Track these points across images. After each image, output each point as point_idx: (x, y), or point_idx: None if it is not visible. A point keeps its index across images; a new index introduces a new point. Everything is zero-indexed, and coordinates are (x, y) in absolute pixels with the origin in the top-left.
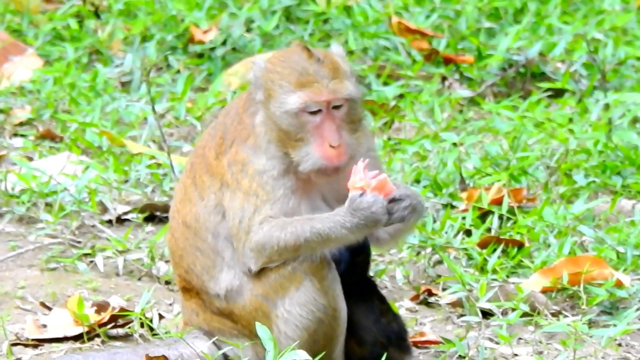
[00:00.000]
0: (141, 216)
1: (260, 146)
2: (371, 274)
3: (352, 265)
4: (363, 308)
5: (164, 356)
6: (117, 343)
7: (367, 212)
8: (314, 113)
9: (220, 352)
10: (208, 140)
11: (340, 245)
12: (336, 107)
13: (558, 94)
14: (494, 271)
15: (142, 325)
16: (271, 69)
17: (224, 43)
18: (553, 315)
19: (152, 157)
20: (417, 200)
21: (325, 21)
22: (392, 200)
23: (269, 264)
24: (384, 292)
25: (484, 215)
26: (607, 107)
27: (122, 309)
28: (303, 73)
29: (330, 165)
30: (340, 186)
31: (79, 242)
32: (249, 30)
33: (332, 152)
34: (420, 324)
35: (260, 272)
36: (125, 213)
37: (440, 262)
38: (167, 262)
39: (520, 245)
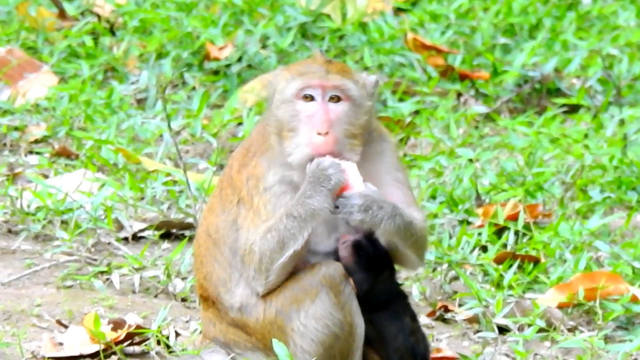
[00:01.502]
0: (157, 233)
1: (273, 159)
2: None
3: (377, 282)
4: (394, 324)
5: None
6: None
7: (317, 173)
8: (308, 100)
9: None
10: (236, 152)
11: (319, 219)
12: (333, 100)
13: (573, 109)
14: (510, 287)
15: (158, 343)
16: (285, 70)
17: (239, 60)
18: (569, 330)
19: (168, 174)
20: (374, 204)
21: (341, 38)
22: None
23: (268, 277)
24: None
25: (500, 231)
26: (622, 122)
27: (138, 327)
28: (307, 66)
29: (315, 153)
30: None
31: (95, 259)
32: (264, 47)
33: (319, 139)
34: (437, 340)
35: (276, 287)
36: (141, 230)
37: (456, 278)
38: (183, 279)
39: (536, 261)
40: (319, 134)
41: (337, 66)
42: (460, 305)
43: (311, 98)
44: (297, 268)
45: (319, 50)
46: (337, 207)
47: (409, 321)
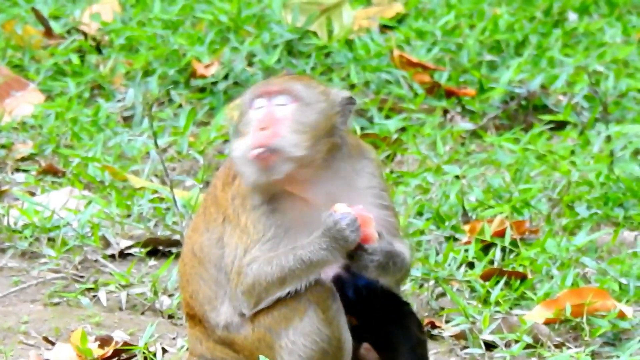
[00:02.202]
0: (144, 250)
1: None
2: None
3: (375, 289)
4: (400, 334)
5: None
6: None
7: (333, 230)
8: (259, 108)
9: None
10: (220, 171)
11: (324, 269)
12: (281, 105)
13: (560, 126)
14: (497, 303)
15: None
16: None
17: (225, 77)
18: (556, 346)
19: (155, 192)
20: (390, 261)
21: (327, 55)
22: (361, 248)
23: (259, 304)
24: None
25: (486, 247)
26: (609, 139)
27: (125, 344)
28: (266, 80)
29: (255, 147)
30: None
31: (81, 276)
32: (250, 64)
33: (257, 135)
34: None
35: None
36: (128, 247)
37: (443, 294)
38: (170, 296)
39: (523, 277)
40: (261, 129)
41: (293, 77)
42: (447, 322)
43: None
44: None
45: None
46: (351, 256)
47: (416, 331)
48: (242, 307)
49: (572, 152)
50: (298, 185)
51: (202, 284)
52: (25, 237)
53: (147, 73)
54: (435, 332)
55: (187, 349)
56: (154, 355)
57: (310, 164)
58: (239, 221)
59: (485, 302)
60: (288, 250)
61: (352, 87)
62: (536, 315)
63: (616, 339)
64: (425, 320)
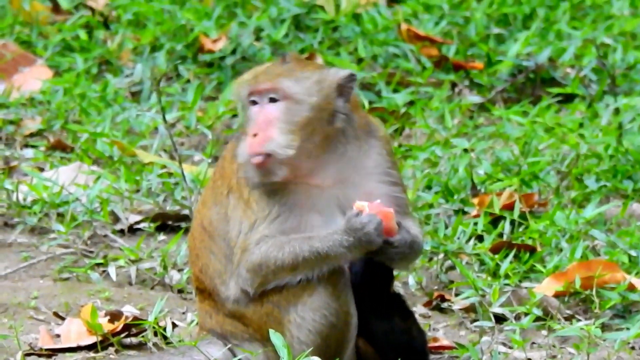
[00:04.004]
0: (153, 225)
1: None
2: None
3: (372, 276)
4: (382, 324)
5: None
6: (131, 352)
7: (360, 233)
8: (254, 104)
9: (235, 359)
10: (230, 143)
11: (338, 264)
12: (272, 101)
13: (568, 99)
14: (507, 276)
15: (155, 334)
16: (245, 75)
17: (233, 52)
18: (566, 319)
19: (164, 167)
20: (411, 249)
21: (335, 29)
22: (387, 242)
23: (265, 285)
24: None
25: (495, 220)
26: (617, 111)
27: (135, 318)
28: (259, 69)
29: (249, 153)
30: (341, 202)
31: (91, 252)
32: (258, 39)
33: (251, 141)
34: (434, 330)
35: None
36: (137, 222)
37: (452, 267)
38: (179, 270)
39: (532, 250)
40: (253, 135)
41: (287, 68)
42: (456, 295)
43: (255, 102)
44: None
45: (282, 54)
46: (376, 252)
47: (398, 321)
48: (245, 285)
49: (581, 125)
50: (304, 174)
51: (212, 258)
52: (35, 213)
53: (154, 48)
54: (444, 305)
55: (197, 323)
56: (164, 329)
57: (309, 156)
58: (242, 194)
59: (495, 275)
60: (303, 239)
61: (359, 61)
62: (546, 287)
63: (626, 311)
64: (435, 294)
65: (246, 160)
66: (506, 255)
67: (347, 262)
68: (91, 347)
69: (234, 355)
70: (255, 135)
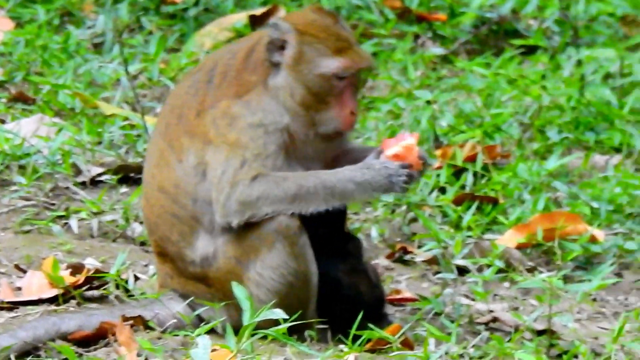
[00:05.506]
0: (115, 177)
1: (260, 103)
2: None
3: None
4: (330, 275)
5: (140, 317)
6: (93, 305)
7: (377, 172)
8: (341, 78)
9: (195, 313)
10: (186, 100)
11: (340, 204)
12: (356, 75)
13: (531, 50)
14: (469, 228)
15: (117, 287)
16: (304, 32)
17: (196, 4)
18: (528, 271)
19: (126, 119)
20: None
21: None
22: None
23: (253, 218)
24: None
25: (458, 172)
26: (579, 63)
27: (97, 271)
28: (339, 38)
29: (346, 130)
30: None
31: (53, 204)
32: None
33: (351, 118)
34: (396, 282)
35: (233, 235)
36: (99, 175)
37: (415, 219)
38: (141, 223)
39: (494, 202)
40: (351, 112)
41: (354, 36)
42: (419, 247)
43: (343, 78)
44: None
45: (320, 8)
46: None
47: (344, 276)
48: (232, 218)
49: (543, 77)
50: None
51: (176, 222)
52: None
53: (117, 0)
54: (407, 257)
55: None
56: (126, 282)
57: None
58: (225, 139)
59: (457, 227)
60: (308, 173)
61: None
62: (508, 239)
63: (588, 262)
64: (398, 246)
65: (333, 132)
66: (469, 207)
67: (352, 202)
68: (53, 300)
69: (195, 310)
70: (352, 113)
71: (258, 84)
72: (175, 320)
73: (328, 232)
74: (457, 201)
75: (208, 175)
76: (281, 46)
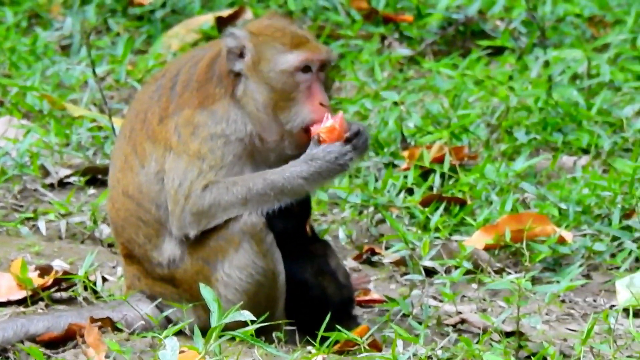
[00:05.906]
0: (83, 179)
1: (225, 113)
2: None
3: (289, 215)
4: (297, 277)
5: (108, 318)
6: (61, 306)
7: (323, 160)
8: (306, 72)
9: (164, 314)
10: (150, 105)
11: (292, 199)
12: (321, 70)
13: (498, 51)
14: (437, 229)
15: (85, 289)
16: (259, 34)
17: (163, 5)
18: (496, 272)
19: (93, 120)
20: (367, 134)
21: None
22: (356, 135)
23: (209, 225)
24: None
25: (425, 173)
26: (547, 64)
27: (65, 272)
28: (295, 35)
29: (318, 119)
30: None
31: (21, 206)
32: None
33: (322, 109)
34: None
35: (200, 236)
36: (67, 176)
37: (382, 221)
38: (109, 224)
39: (462, 203)
40: (321, 104)
41: (312, 34)
42: (387, 248)
43: (308, 69)
44: None
45: (276, 13)
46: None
47: (310, 276)
48: (188, 229)
49: (510, 78)
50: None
51: (142, 225)
52: None
53: (84, 1)
54: (375, 258)
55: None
56: (94, 284)
57: None
58: (186, 148)
59: (425, 228)
60: (256, 175)
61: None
62: (476, 241)
63: (556, 264)
64: (365, 247)
65: (303, 125)
66: (436, 209)
67: (302, 196)
68: (21, 302)
69: (163, 312)
70: (322, 104)
71: (225, 95)
72: (143, 322)
73: (293, 230)
74: (425, 202)
75: (166, 185)
76: (240, 54)
